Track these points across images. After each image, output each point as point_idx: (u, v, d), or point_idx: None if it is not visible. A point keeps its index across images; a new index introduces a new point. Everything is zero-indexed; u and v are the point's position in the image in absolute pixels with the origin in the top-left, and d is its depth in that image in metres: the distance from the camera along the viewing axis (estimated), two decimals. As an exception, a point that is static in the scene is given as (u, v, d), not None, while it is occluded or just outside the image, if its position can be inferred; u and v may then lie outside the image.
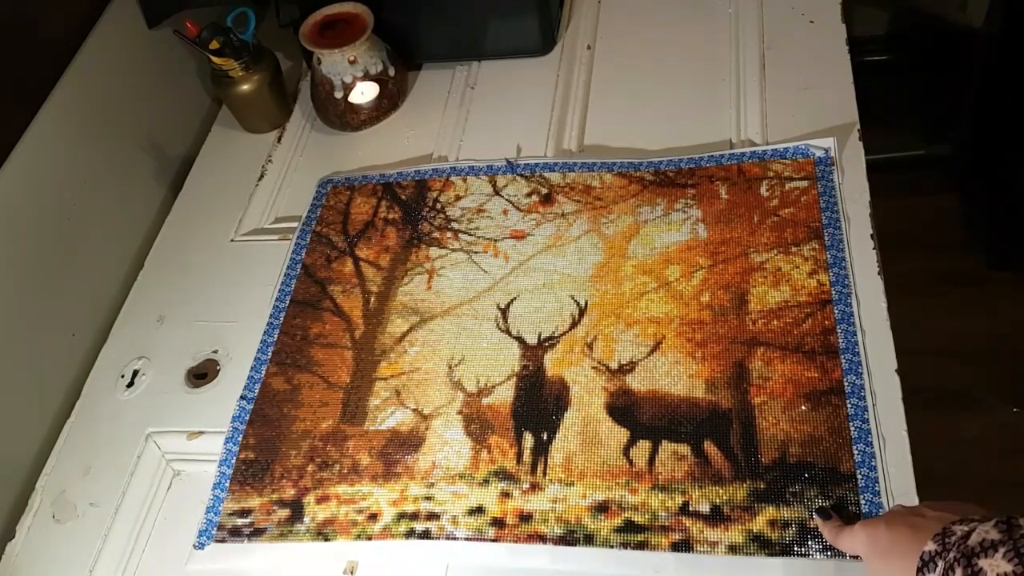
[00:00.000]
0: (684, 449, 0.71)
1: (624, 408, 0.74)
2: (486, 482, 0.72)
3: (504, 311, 0.83)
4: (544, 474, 0.72)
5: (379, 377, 0.81)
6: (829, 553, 0.63)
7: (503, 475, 0.73)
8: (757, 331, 0.76)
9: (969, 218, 1.74)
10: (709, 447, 0.71)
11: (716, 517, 0.67)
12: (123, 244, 1.01)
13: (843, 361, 0.72)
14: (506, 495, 0.71)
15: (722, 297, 0.79)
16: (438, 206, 0.94)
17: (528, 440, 0.74)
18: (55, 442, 0.84)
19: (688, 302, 0.79)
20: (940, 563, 0.50)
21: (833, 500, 0.65)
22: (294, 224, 0.96)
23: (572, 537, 0.68)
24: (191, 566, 0.73)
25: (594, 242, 0.86)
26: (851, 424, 0.69)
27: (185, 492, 0.79)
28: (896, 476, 0.66)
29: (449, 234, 0.91)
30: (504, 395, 0.77)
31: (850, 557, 0.62)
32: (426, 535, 0.70)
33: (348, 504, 0.74)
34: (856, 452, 0.67)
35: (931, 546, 0.51)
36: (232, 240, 0.98)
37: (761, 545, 0.65)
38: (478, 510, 0.71)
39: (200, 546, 0.74)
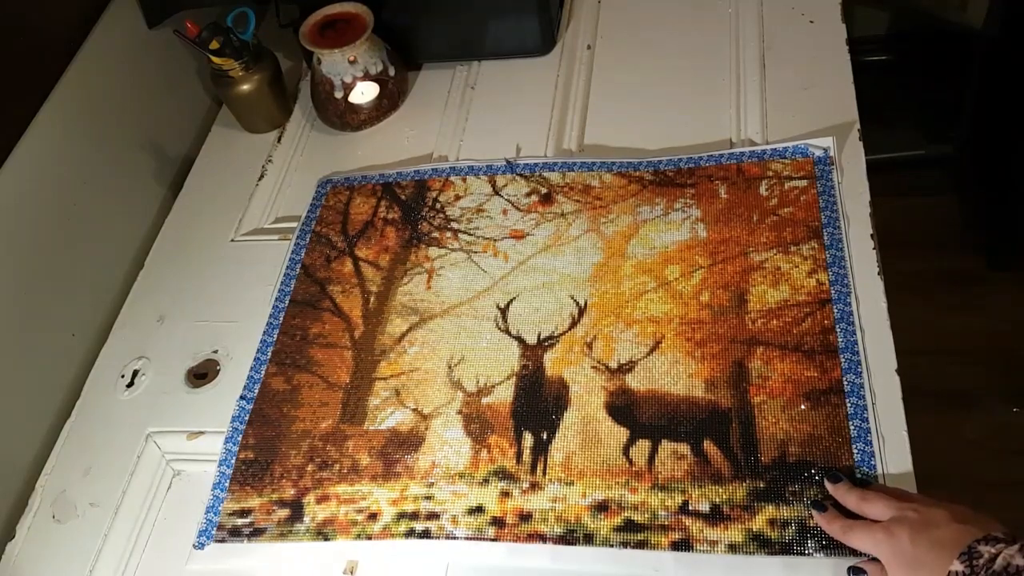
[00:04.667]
0: (684, 448, 0.71)
1: (624, 407, 0.74)
2: (486, 481, 0.72)
3: (504, 311, 0.83)
4: (544, 473, 0.72)
5: (379, 377, 0.81)
6: (828, 552, 0.63)
7: (503, 474, 0.73)
8: (756, 330, 0.76)
9: (969, 218, 1.74)
10: (709, 446, 0.71)
11: (716, 516, 0.67)
12: (123, 244, 1.01)
13: (842, 360, 0.72)
14: (506, 494, 0.71)
15: (721, 296, 0.79)
16: (437, 206, 0.94)
17: (528, 439, 0.74)
18: (55, 442, 0.84)
19: (687, 301, 0.80)
20: None
21: (832, 498, 0.65)
22: (294, 224, 0.96)
23: (572, 536, 0.68)
24: (191, 566, 0.73)
25: (593, 242, 0.86)
26: (850, 423, 0.69)
27: (185, 492, 0.79)
28: (896, 476, 0.66)
29: (448, 234, 0.91)
30: (504, 395, 0.77)
31: (848, 553, 0.62)
32: (426, 534, 0.70)
33: (348, 504, 0.74)
34: (856, 451, 0.67)
35: (958, 566, 0.52)
36: (232, 240, 0.98)
37: (761, 544, 0.65)
38: (478, 509, 0.71)
39: (200, 546, 0.74)
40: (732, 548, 0.65)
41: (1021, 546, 0.51)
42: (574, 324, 0.81)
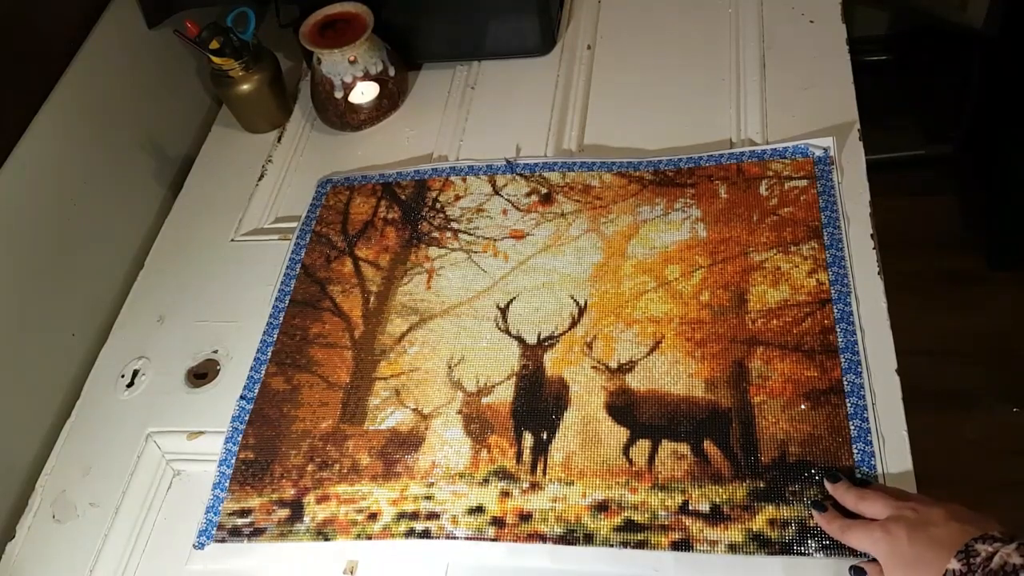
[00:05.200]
0: (684, 448, 0.71)
1: (624, 407, 0.74)
2: (486, 481, 0.72)
3: (504, 311, 0.83)
4: (544, 473, 0.72)
5: (379, 377, 0.81)
6: (828, 552, 0.63)
7: (503, 474, 0.73)
8: (756, 330, 0.76)
9: (969, 218, 1.74)
10: (709, 446, 0.71)
11: (716, 516, 0.67)
12: (123, 244, 1.01)
13: (842, 360, 0.72)
14: (506, 494, 0.71)
15: (721, 296, 0.79)
16: (437, 206, 0.94)
17: (528, 439, 0.74)
18: (55, 442, 0.84)
19: (687, 301, 0.80)
20: None
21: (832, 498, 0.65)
22: (294, 224, 0.96)
23: (572, 536, 0.68)
24: (191, 566, 0.73)
25: (593, 242, 0.86)
26: (850, 423, 0.69)
27: (185, 492, 0.79)
28: (896, 475, 0.66)
29: (448, 234, 0.91)
30: (504, 394, 0.77)
31: (848, 553, 0.62)
32: (426, 534, 0.70)
33: (348, 504, 0.74)
34: (856, 451, 0.67)
35: (955, 565, 0.52)
36: (232, 240, 0.98)
37: (761, 544, 0.65)
38: (478, 509, 0.71)
39: (200, 546, 0.74)
40: (732, 548, 0.65)
41: (1018, 545, 0.51)
42: (574, 324, 0.81)
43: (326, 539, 0.72)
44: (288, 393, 0.82)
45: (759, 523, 0.66)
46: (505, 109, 1.03)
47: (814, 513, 0.64)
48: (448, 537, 0.70)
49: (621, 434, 0.73)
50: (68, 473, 0.82)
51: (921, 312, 1.58)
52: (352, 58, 0.99)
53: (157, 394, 0.86)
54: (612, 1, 1.13)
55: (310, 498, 0.75)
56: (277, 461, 0.77)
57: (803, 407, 0.71)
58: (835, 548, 0.63)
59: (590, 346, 0.79)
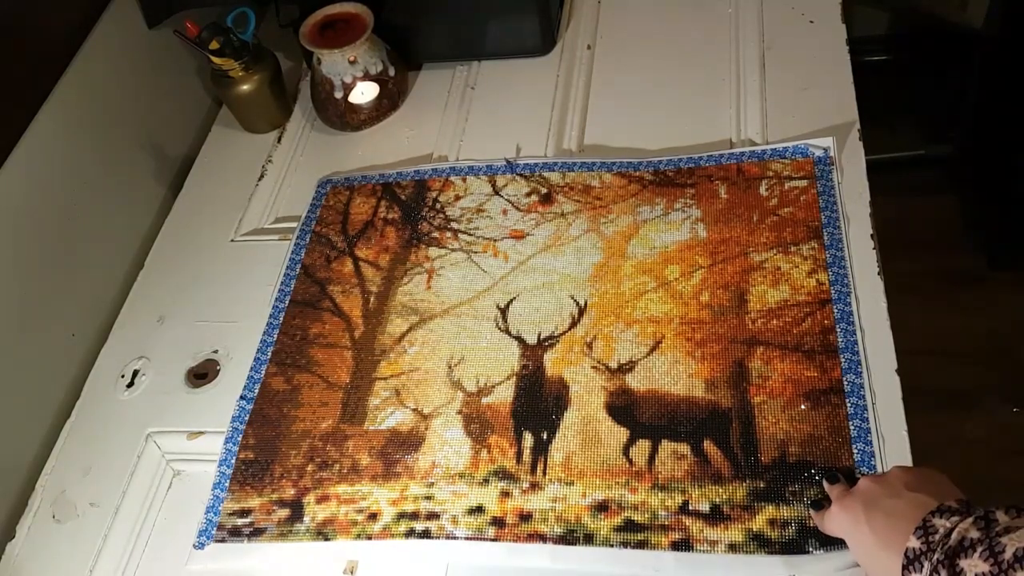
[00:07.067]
0: (684, 448, 0.71)
1: (624, 407, 0.74)
2: (486, 481, 0.72)
3: (504, 311, 0.83)
4: (544, 473, 0.72)
5: (379, 377, 0.81)
6: (828, 551, 0.63)
7: (503, 474, 0.73)
8: (756, 330, 0.76)
9: (969, 218, 1.74)
10: (709, 446, 0.71)
11: (716, 516, 0.67)
12: (123, 244, 1.01)
13: (842, 360, 0.72)
14: (506, 494, 0.71)
15: (721, 296, 0.79)
16: (437, 206, 0.94)
17: (528, 439, 0.74)
18: (55, 442, 0.84)
19: (687, 301, 0.80)
20: (926, 564, 0.50)
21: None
22: (294, 224, 0.96)
23: (572, 536, 0.68)
24: (191, 566, 0.73)
25: (593, 242, 0.86)
26: (850, 423, 0.69)
27: (185, 492, 0.79)
28: (896, 475, 0.66)
29: (448, 234, 0.91)
30: (504, 395, 0.77)
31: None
32: (426, 535, 0.70)
33: (348, 504, 0.74)
34: (855, 451, 0.67)
35: (915, 543, 0.52)
36: (232, 240, 0.98)
37: (761, 544, 0.65)
38: (478, 509, 0.71)
39: (200, 546, 0.74)
40: (732, 548, 0.65)
41: (976, 519, 0.50)
42: (574, 324, 0.81)
43: (326, 539, 0.72)
44: (288, 393, 0.82)
45: (759, 523, 0.66)
46: (505, 109, 1.03)
47: (811, 513, 0.65)
48: (448, 537, 0.70)
49: (621, 434, 0.73)
50: (68, 473, 0.82)
51: (921, 312, 1.57)
52: (352, 58, 0.99)
53: (157, 394, 0.86)
54: (612, 1, 1.13)
55: (310, 498, 0.75)
56: (277, 461, 0.77)
57: (803, 407, 0.71)
58: (834, 546, 0.63)
59: (590, 346, 0.79)
